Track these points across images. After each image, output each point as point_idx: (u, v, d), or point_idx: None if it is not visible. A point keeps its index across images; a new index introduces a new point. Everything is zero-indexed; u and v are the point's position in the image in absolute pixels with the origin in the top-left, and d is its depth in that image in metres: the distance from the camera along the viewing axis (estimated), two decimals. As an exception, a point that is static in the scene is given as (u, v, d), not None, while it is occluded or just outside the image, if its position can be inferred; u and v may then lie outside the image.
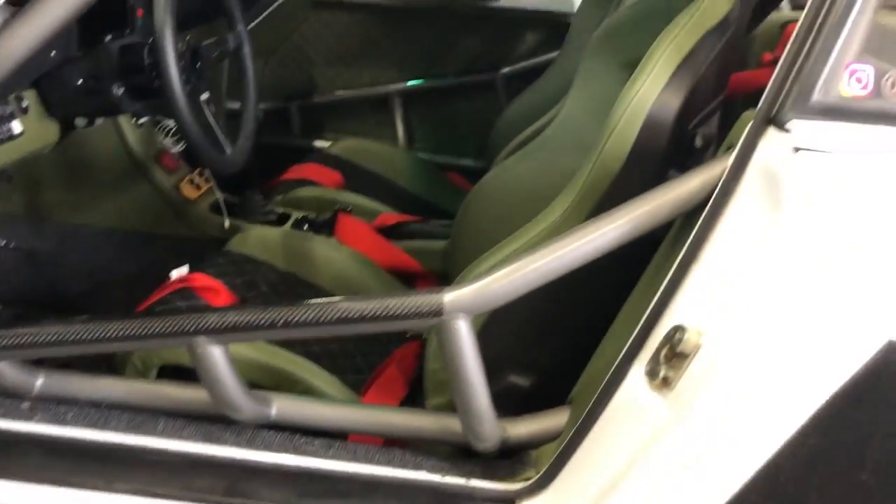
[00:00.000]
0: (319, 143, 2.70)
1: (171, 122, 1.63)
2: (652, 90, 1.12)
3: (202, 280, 1.57)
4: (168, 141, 1.71)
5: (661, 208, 1.07)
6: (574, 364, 1.25)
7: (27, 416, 1.25)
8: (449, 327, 1.06)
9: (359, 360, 1.47)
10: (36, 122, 1.45)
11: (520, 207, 1.49)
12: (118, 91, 1.42)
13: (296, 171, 2.30)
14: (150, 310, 1.49)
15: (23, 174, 1.97)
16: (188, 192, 2.01)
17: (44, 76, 1.44)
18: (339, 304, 1.08)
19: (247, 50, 1.65)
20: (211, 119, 1.51)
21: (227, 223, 1.90)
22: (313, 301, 1.09)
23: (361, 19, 2.65)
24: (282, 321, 1.09)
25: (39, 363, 1.27)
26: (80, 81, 1.44)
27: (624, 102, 1.13)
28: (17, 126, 1.38)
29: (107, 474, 1.19)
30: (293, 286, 1.70)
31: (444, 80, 2.70)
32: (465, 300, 1.05)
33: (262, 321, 1.09)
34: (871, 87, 0.99)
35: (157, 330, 1.12)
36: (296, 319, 1.08)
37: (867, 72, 0.99)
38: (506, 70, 2.66)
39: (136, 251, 2.04)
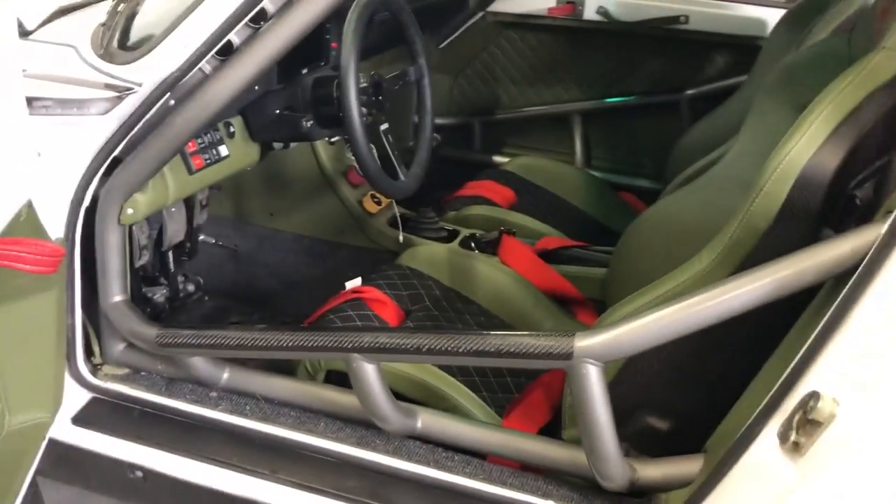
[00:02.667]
0: (498, 159, 2.79)
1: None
2: (806, 150, 1.10)
3: (372, 293, 1.71)
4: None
5: (806, 271, 1.05)
6: (713, 414, 1.25)
7: (213, 405, 1.44)
8: (578, 372, 1.11)
9: (509, 379, 1.54)
10: (240, 145, 1.66)
11: (679, 244, 1.48)
12: (307, 123, 1.60)
13: (471, 188, 2.40)
14: (325, 316, 1.65)
15: (231, 183, 2.23)
16: (369, 206, 2.18)
17: (248, 105, 1.65)
18: (478, 338, 1.16)
19: (426, 81, 1.77)
20: (388, 148, 1.65)
21: (401, 238, 2.03)
22: (454, 331, 1.18)
23: (548, 40, 2.71)
24: (426, 347, 1.19)
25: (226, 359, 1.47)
26: (277, 111, 1.63)
27: (775, 161, 1.12)
28: (224, 150, 1.59)
29: (272, 464, 1.35)
30: (453, 302, 1.80)
31: (627, 100, 2.70)
32: (595, 348, 1.10)
33: (409, 346, 1.20)
34: None
35: (320, 343, 1.26)
36: (437, 347, 1.18)
37: None
38: (691, 92, 2.61)
39: (320, 257, 2.25)
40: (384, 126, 1.66)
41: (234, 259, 2.29)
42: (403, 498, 1.30)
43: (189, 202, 1.91)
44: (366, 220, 2.18)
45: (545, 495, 1.27)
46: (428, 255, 1.89)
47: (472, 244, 2.03)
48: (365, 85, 1.61)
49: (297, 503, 1.31)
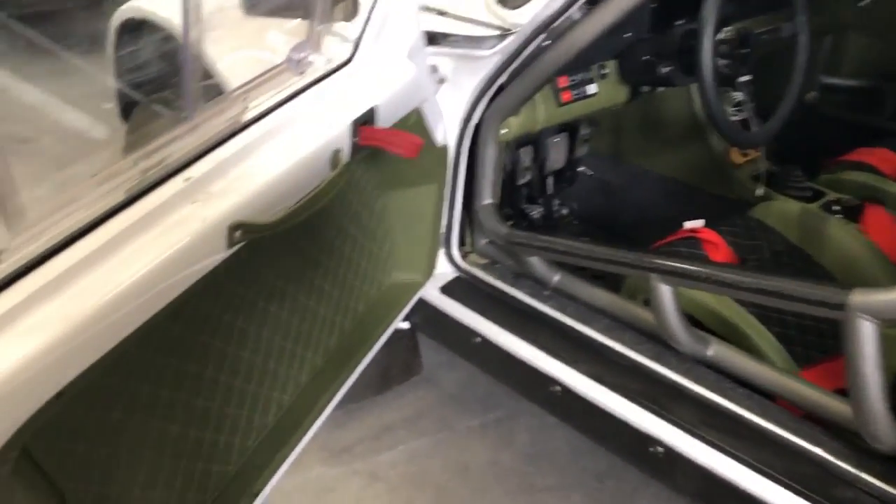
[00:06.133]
0: (909, 127, 2.56)
1: (735, 94, 1.86)
2: None
3: (707, 234, 1.81)
4: (730, 110, 1.92)
5: None
6: None
7: (544, 300, 1.73)
8: (851, 324, 1.14)
9: (811, 338, 1.56)
10: (610, 85, 1.87)
11: None
12: (665, 69, 1.74)
13: (859, 154, 2.28)
14: (659, 249, 1.81)
15: (611, 122, 2.46)
16: (735, 157, 2.23)
17: (622, 50, 1.85)
18: (760, 277, 1.25)
19: (802, 39, 1.77)
20: (743, 99, 1.72)
21: (760, 191, 2.06)
22: (743, 268, 1.28)
23: None
24: (713, 278, 1.31)
25: (558, 265, 1.74)
26: (645, 58, 1.80)
27: None
28: (592, 88, 1.83)
29: (576, 355, 1.60)
30: (795, 260, 1.82)
31: None
32: (873, 304, 1.12)
33: (699, 274, 1.33)
34: None
35: (626, 260, 1.46)
36: (723, 278, 1.30)
37: None
38: None
39: (681, 199, 2.37)
40: (744, 78, 1.73)
41: (604, 191, 2.54)
42: (676, 408, 1.44)
43: (572, 135, 2.19)
44: (729, 170, 2.24)
45: (817, 444, 1.32)
46: (780, 211, 1.91)
47: (836, 208, 1.98)
48: (731, 38, 1.70)
49: (585, 387, 1.54)
